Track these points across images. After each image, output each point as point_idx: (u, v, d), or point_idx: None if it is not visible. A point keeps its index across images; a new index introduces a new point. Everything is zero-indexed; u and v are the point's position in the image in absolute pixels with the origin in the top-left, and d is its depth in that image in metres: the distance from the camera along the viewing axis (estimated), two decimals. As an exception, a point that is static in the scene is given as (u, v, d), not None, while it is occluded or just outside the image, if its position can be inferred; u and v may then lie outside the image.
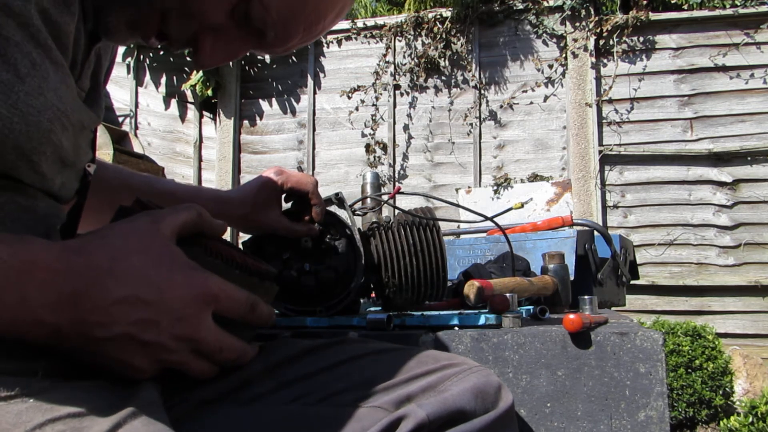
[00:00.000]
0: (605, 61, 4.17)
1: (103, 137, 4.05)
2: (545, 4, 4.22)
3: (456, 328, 0.84)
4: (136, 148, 4.57)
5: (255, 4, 0.56)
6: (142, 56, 4.82)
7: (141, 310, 0.48)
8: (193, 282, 0.51)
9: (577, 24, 4.17)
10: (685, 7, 4.08)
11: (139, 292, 0.48)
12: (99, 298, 0.47)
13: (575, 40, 4.16)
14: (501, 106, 4.28)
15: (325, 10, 0.60)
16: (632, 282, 1.77)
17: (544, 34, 4.26)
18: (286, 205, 0.95)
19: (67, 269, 0.46)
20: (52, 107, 0.50)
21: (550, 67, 4.23)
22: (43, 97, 0.49)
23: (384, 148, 4.43)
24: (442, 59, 4.38)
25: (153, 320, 0.49)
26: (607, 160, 4.08)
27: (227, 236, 3.15)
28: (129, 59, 4.82)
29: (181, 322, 0.50)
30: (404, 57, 4.47)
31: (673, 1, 4.08)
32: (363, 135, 4.48)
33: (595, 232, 1.49)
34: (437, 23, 4.35)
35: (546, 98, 4.23)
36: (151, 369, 0.51)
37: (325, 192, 0.93)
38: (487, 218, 1.08)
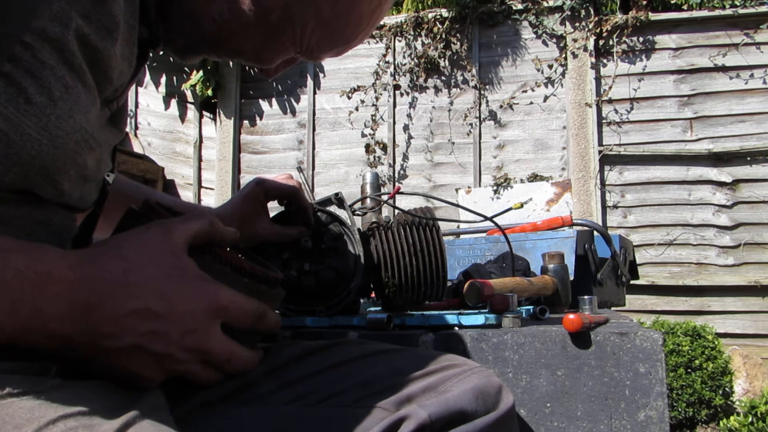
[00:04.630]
0: (605, 61, 4.17)
1: (103, 137, 4.06)
2: (545, 4, 4.22)
3: (456, 328, 0.84)
4: (136, 148, 4.57)
5: (307, 55, 0.69)
6: (141, 56, 4.82)
7: (151, 322, 0.49)
8: (204, 294, 0.52)
9: (577, 24, 4.17)
10: (685, 7, 4.07)
11: (151, 304, 0.49)
12: (111, 309, 0.47)
13: (575, 40, 4.16)
14: (501, 106, 4.28)
15: (359, 32, 0.68)
16: (632, 282, 1.77)
17: (544, 34, 4.26)
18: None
19: (81, 280, 0.47)
20: (80, 129, 0.51)
21: (550, 67, 4.23)
22: (72, 120, 0.50)
23: (384, 148, 4.43)
24: (442, 59, 4.38)
25: (163, 332, 0.49)
26: (607, 160, 4.08)
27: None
28: (129, 59, 4.82)
29: (190, 334, 0.51)
30: (404, 57, 4.47)
31: (673, 1, 4.08)
32: (363, 135, 4.48)
33: (595, 232, 1.49)
34: (437, 23, 4.35)
35: (546, 98, 4.23)
36: (159, 378, 0.52)
37: (325, 192, 0.93)
38: (486, 218, 1.08)
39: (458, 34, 4.34)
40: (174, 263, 0.51)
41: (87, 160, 0.54)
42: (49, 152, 0.49)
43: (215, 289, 0.52)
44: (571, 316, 0.76)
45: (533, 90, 4.23)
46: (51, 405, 0.42)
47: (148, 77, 4.84)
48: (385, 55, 4.47)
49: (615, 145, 4.06)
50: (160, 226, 0.53)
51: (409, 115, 4.44)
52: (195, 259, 0.53)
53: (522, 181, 4.18)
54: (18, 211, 0.52)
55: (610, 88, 4.08)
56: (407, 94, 4.46)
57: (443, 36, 4.33)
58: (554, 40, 4.25)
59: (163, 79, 4.81)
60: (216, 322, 0.53)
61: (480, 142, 4.29)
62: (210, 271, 0.54)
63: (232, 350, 0.54)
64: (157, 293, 0.49)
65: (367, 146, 4.46)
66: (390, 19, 4.47)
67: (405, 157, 4.41)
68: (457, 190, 4.27)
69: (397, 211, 1.00)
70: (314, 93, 4.59)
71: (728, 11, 3.94)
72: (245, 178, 4.65)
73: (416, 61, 4.39)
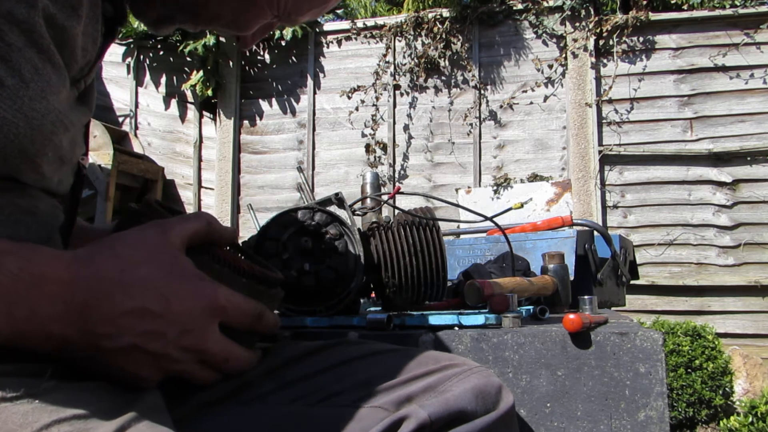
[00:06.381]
0: (605, 61, 4.17)
1: (103, 137, 4.05)
2: (545, 4, 4.22)
3: (456, 328, 0.84)
4: (136, 148, 4.57)
5: (285, 19, 0.69)
6: (142, 56, 4.82)
7: (148, 322, 0.49)
8: (202, 294, 0.51)
9: (577, 24, 4.17)
10: (685, 7, 4.07)
11: (148, 303, 0.49)
12: (108, 309, 0.47)
13: (575, 40, 4.16)
14: (501, 106, 4.28)
15: None
16: (632, 282, 1.77)
17: (544, 34, 4.26)
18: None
19: (76, 280, 0.47)
20: (54, 110, 0.51)
21: (550, 67, 4.23)
22: (45, 101, 0.49)
23: (384, 148, 4.43)
24: (442, 59, 4.38)
25: (160, 332, 0.49)
26: (607, 160, 4.08)
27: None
28: (129, 59, 4.81)
29: (188, 334, 0.51)
30: (404, 57, 4.47)
31: (673, 1, 4.08)
32: (363, 135, 4.48)
33: (595, 232, 1.48)
34: (437, 23, 4.35)
35: (546, 98, 4.23)
36: (157, 378, 0.51)
37: (325, 192, 0.93)
38: (486, 218, 1.08)
39: (458, 34, 4.34)
40: (171, 262, 0.51)
41: (63, 140, 0.54)
42: (26, 134, 0.48)
43: (213, 289, 0.52)
44: (571, 316, 0.76)
45: (533, 90, 4.23)
46: (45, 409, 0.42)
47: (148, 77, 4.84)
48: (385, 55, 4.47)
49: (615, 145, 4.06)
50: (158, 225, 0.53)
51: (409, 115, 4.44)
52: (193, 258, 0.53)
53: (522, 181, 4.18)
54: (2, 199, 0.51)
55: (610, 88, 4.08)
56: (407, 94, 4.46)
57: (443, 36, 4.33)
58: (554, 40, 4.25)
59: (163, 79, 4.81)
60: (214, 322, 0.52)
61: (480, 142, 4.29)
62: (208, 271, 0.53)
63: (230, 350, 0.54)
64: (155, 293, 0.49)
65: (367, 146, 4.46)
66: (390, 19, 4.47)
67: (405, 157, 4.41)
68: (457, 190, 4.27)
69: (397, 211, 1.00)
70: (314, 93, 4.59)
71: (728, 11, 3.94)
72: (245, 178, 4.65)
73: (416, 61, 4.39)
